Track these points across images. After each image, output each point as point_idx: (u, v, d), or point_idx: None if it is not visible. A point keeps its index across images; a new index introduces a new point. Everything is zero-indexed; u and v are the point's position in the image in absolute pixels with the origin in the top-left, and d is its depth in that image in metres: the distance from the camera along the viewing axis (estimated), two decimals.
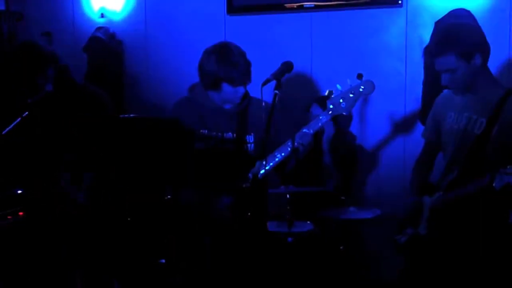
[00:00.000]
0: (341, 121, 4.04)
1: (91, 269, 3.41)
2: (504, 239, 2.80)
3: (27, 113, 3.14)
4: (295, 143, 2.83)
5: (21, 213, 3.21)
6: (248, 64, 3.02)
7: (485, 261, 2.75)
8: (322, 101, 4.23)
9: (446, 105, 2.95)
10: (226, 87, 3.00)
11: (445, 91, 3.03)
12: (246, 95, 3.12)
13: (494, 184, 2.42)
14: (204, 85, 3.06)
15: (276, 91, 2.62)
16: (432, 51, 2.78)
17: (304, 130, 2.88)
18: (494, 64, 2.85)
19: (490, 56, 2.78)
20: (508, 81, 3.98)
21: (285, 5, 4.68)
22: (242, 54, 3.02)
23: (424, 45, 4.20)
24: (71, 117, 2.67)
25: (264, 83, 2.63)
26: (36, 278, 3.31)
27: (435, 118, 3.03)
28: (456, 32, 2.76)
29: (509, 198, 2.55)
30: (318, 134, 4.24)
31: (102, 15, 5.06)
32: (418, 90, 4.28)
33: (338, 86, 2.87)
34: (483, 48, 2.74)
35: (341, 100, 2.86)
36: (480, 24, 3.26)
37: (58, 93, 3.32)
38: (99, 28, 4.97)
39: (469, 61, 2.70)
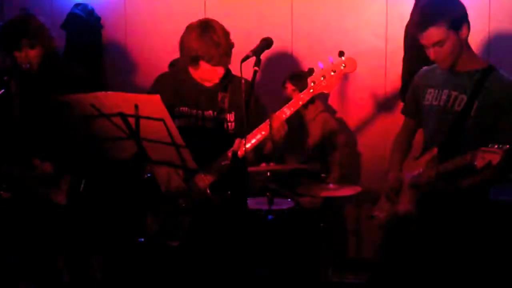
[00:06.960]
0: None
1: (73, 251, 3.40)
2: (484, 215, 2.83)
3: (3, 90, 3.09)
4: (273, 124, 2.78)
5: None
6: (230, 46, 2.93)
7: (463, 236, 2.78)
8: (296, 78, 4.23)
9: (426, 81, 2.94)
10: (204, 66, 2.94)
11: (425, 67, 3.02)
12: (227, 74, 3.05)
13: (475, 163, 2.42)
14: (184, 60, 3.00)
15: (256, 68, 2.59)
16: (418, 25, 2.72)
17: (284, 110, 2.86)
18: (472, 45, 2.84)
19: (470, 37, 2.78)
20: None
21: None
22: (226, 34, 2.93)
23: (405, 23, 4.20)
24: (51, 97, 2.63)
25: (244, 60, 2.58)
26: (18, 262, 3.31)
27: (414, 95, 3.02)
28: (443, 3, 2.72)
29: (490, 175, 2.57)
30: (300, 114, 4.23)
31: None
32: (398, 67, 4.28)
33: (320, 64, 2.85)
34: (468, 20, 2.73)
35: (322, 78, 2.84)
36: None
37: (39, 73, 3.27)
38: (78, 5, 4.89)
39: (457, 31, 2.68)
